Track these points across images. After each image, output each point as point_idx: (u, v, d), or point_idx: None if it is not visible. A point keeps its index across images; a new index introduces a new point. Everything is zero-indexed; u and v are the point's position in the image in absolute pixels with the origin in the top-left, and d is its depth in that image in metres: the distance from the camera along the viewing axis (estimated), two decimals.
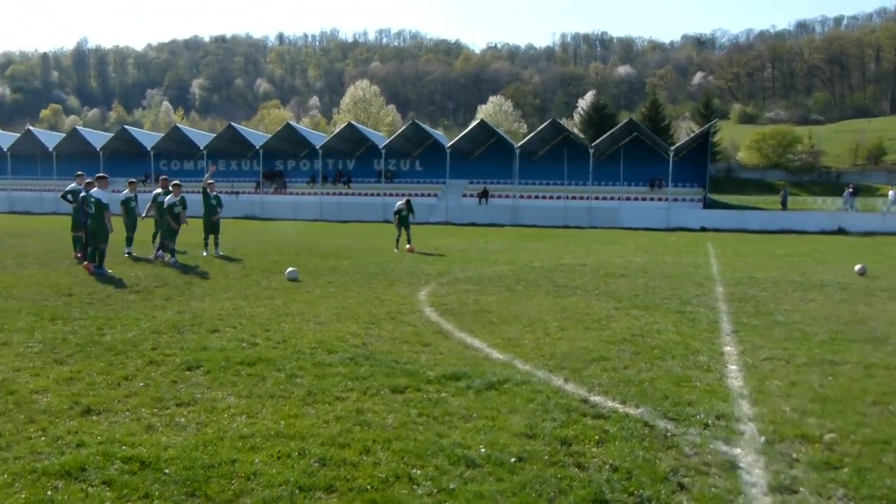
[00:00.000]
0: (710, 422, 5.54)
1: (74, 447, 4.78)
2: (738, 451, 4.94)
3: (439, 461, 4.61)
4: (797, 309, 11.35)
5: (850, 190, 50.81)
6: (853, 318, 10.53)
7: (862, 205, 51.04)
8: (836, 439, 5.18)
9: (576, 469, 4.56)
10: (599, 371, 7.08)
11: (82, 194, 15.76)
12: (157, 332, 8.70)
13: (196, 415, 5.54)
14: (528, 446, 4.91)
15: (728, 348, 8.33)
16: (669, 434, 5.24)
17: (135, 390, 6.18)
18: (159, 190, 19.43)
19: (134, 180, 20.50)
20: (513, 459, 4.65)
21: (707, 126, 55.50)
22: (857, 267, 16.79)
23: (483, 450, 4.81)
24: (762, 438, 5.18)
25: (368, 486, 4.21)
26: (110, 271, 14.75)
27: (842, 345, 8.54)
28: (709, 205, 51.89)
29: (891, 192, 48.54)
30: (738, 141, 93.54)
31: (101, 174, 15.75)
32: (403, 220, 23.23)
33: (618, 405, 5.93)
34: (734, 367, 7.36)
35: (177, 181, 18.14)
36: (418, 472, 4.45)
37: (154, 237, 19.03)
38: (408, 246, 22.05)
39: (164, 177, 18.87)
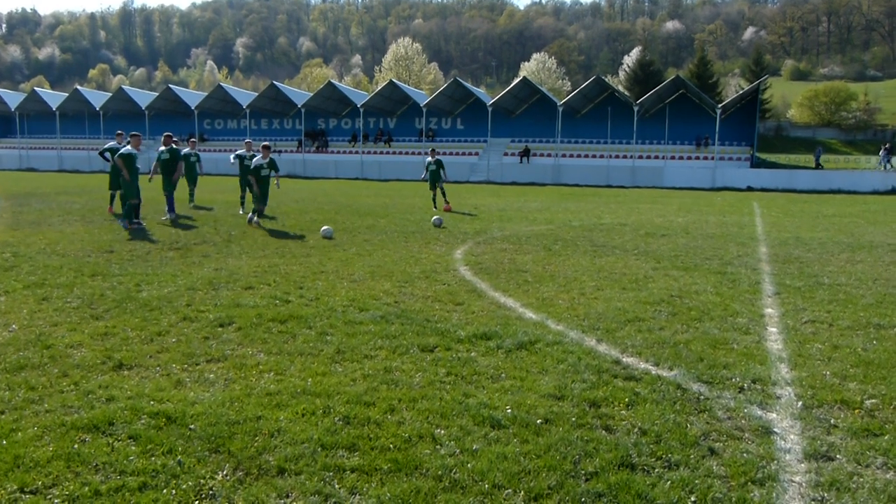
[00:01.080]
0: (745, 385, 5.38)
1: (104, 402, 4.84)
2: (773, 415, 4.78)
3: (464, 421, 4.55)
4: (843, 270, 10.98)
5: (887, 147, 49.20)
6: None
7: None
8: (878, 405, 4.98)
9: (603, 432, 4.46)
10: (634, 332, 6.93)
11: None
12: (193, 288, 8.78)
13: (225, 371, 5.56)
14: (555, 408, 4.82)
15: (769, 310, 8.09)
16: (702, 397, 5.09)
17: (167, 346, 6.23)
18: (188, 149, 19.98)
19: (195, 139, 21.03)
20: (539, 421, 4.56)
21: (757, 83, 53.79)
22: None
23: (509, 410, 4.73)
24: (799, 403, 5.01)
25: (391, 446, 4.17)
26: (143, 223, 15.30)
27: (889, 308, 8.22)
28: (756, 164, 50.57)
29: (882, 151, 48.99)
30: (790, 98, 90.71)
31: (134, 133, 16.02)
32: (434, 175, 22.45)
33: (650, 367, 5.79)
34: (774, 330, 7.14)
35: (266, 143, 17.59)
36: (442, 431, 4.39)
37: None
38: (445, 205, 21.85)
39: (167, 133, 18.70)
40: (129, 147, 15.59)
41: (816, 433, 4.49)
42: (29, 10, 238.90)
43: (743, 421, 4.68)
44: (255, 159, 17.14)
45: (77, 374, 5.43)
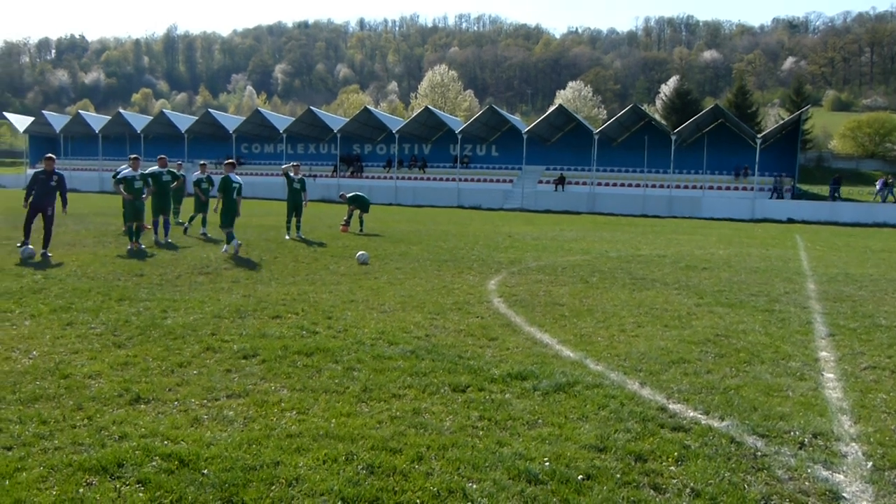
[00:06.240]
0: (805, 440, 4.93)
1: (117, 439, 4.57)
2: (840, 477, 4.33)
3: (498, 474, 4.18)
4: None
5: (883, 180, 48.18)
6: None
7: None
8: None
9: (652, 491, 4.06)
10: (679, 375, 6.50)
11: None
12: (219, 316, 8.55)
13: (245, 408, 5.27)
14: (597, 461, 4.42)
15: (823, 353, 7.59)
16: (759, 453, 4.66)
17: (187, 378, 5.97)
18: (199, 173, 20.11)
19: (204, 162, 21.13)
20: (580, 477, 4.17)
21: (798, 112, 52.81)
22: None
23: (547, 463, 4.35)
24: (869, 463, 4.55)
25: (417, 501, 3.82)
26: (142, 246, 15.52)
27: None
28: (798, 195, 49.50)
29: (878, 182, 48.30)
30: (831, 129, 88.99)
31: (133, 155, 16.63)
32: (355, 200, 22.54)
33: (700, 416, 5.37)
34: (831, 376, 6.66)
35: (230, 160, 17.72)
36: (474, 486, 4.02)
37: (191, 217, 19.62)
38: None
39: (161, 156, 18.76)
40: (129, 170, 16.02)
41: (891, 501, 4.03)
42: (77, 36, 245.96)
43: (807, 483, 4.23)
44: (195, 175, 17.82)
45: (92, 407, 5.18)
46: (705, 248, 20.95)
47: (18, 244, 14.10)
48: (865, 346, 7.98)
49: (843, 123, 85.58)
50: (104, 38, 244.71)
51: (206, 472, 4.10)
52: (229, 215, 15.88)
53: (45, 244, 13.89)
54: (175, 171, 18.91)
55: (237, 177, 16.33)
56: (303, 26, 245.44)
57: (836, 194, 49.24)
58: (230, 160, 16.80)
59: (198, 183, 20.08)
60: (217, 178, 17.57)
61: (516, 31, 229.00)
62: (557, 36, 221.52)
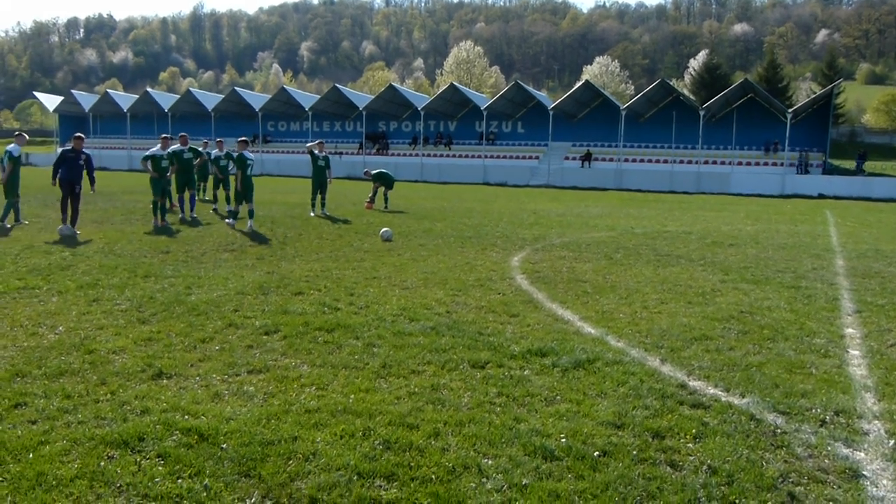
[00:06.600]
0: (827, 418, 4.85)
1: (138, 414, 4.63)
2: (861, 455, 4.26)
3: (514, 451, 4.17)
4: None
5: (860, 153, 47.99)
6: None
7: None
8: None
9: (668, 468, 4.03)
10: (701, 352, 6.43)
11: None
12: (243, 292, 8.62)
13: (265, 384, 5.31)
14: (614, 438, 4.40)
15: (849, 330, 7.47)
16: (779, 431, 4.60)
17: (209, 354, 6.03)
18: (217, 151, 20.18)
19: (221, 140, 21.24)
20: (596, 453, 4.15)
21: (830, 86, 51.74)
22: None
23: (564, 440, 4.33)
24: (891, 442, 4.47)
25: (433, 476, 3.83)
26: (161, 224, 15.79)
27: None
28: (829, 170, 48.61)
29: None
30: (865, 103, 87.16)
31: (164, 135, 17.04)
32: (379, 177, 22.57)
33: (720, 393, 5.31)
34: (856, 353, 6.55)
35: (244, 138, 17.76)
36: (490, 462, 4.03)
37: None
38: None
39: (182, 134, 18.85)
40: (156, 148, 16.33)
41: None
42: (105, 16, 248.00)
43: (826, 461, 4.17)
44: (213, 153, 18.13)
45: (115, 382, 5.25)
46: (733, 224, 20.67)
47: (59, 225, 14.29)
48: (893, 322, 7.83)
49: (877, 97, 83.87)
50: (132, 17, 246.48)
51: (224, 446, 4.14)
52: (248, 191, 16.14)
53: (73, 222, 14.10)
54: (199, 148, 19.05)
55: (251, 154, 16.57)
56: (329, 3, 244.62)
57: (862, 169, 48.35)
58: (243, 138, 16.99)
59: (216, 161, 20.29)
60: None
61: (543, 5, 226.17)
62: (585, 10, 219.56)
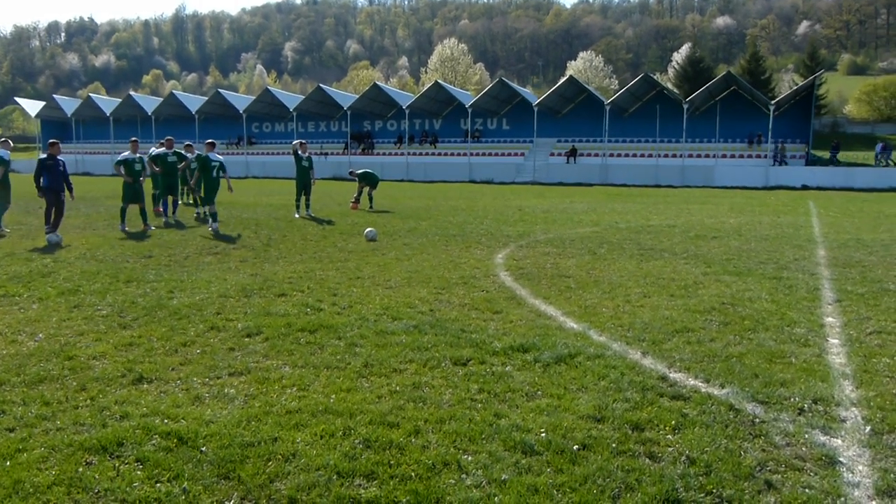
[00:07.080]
0: (805, 406, 4.90)
1: (118, 419, 4.61)
2: (838, 442, 4.31)
3: (494, 446, 4.19)
4: None
5: (882, 144, 48.53)
6: None
7: None
8: None
9: (647, 460, 4.05)
10: (682, 344, 6.47)
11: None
12: (225, 295, 8.59)
13: (246, 386, 5.30)
14: (594, 431, 4.42)
15: (829, 319, 7.53)
16: (757, 420, 4.64)
17: (191, 358, 6.01)
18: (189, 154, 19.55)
19: (190, 143, 20.52)
20: (576, 447, 4.17)
21: (812, 77, 51.98)
22: None
23: (544, 434, 4.35)
24: (867, 428, 4.52)
25: (412, 474, 3.84)
26: (151, 227, 15.84)
27: None
28: (812, 161, 48.94)
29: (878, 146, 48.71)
30: (847, 94, 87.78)
31: (133, 138, 16.98)
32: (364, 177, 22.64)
33: (700, 384, 5.35)
34: (836, 342, 6.61)
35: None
36: (469, 458, 4.04)
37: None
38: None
39: (168, 138, 18.73)
40: (127, 153, 16.10)
41: (888, 464, 4.01)
42: (86, 19, 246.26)
43: (804, 448, 4.21)
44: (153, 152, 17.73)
45: (95, 388, 5.23)
46: (716, 216, 20.79)
47: (46, 232, 14.14)
48: (872, 310, 7.90)
49: (859, 87, 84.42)
50: (113, 20, 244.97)
51: (204, 449, 4.14)
52: (210, 193, 16.50)
53: (55, 226, 14.01)
54: (182, 152, 18.95)
55: (217, 156, 16.74)
56: (311, 3, 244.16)
57: (836, 159, 48.76)
58: (210, 141, 17.35)
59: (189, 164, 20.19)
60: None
61: (526, 1, 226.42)
62: (568, 6, 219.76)
